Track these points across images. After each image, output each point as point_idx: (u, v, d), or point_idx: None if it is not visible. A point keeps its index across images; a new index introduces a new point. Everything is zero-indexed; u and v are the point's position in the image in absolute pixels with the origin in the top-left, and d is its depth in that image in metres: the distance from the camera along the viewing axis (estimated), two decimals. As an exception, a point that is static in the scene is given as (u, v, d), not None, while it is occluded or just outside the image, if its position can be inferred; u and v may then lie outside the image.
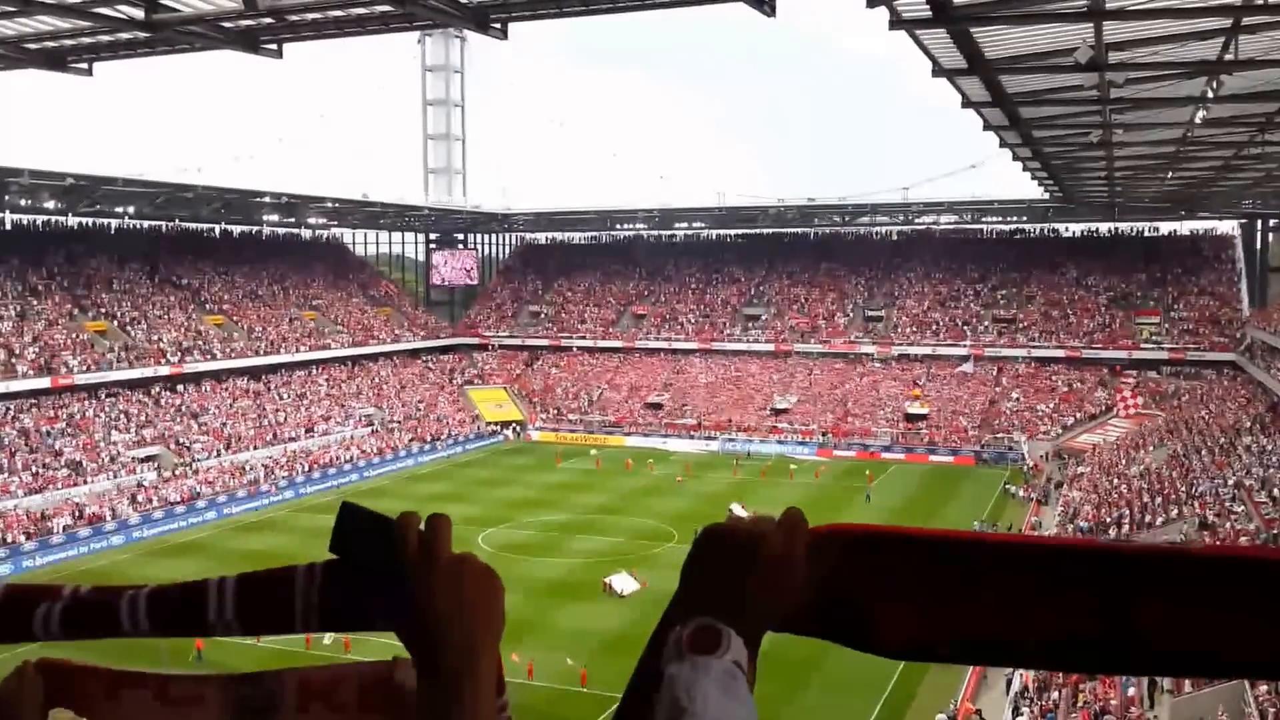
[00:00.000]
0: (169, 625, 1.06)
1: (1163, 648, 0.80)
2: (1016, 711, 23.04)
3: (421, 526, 0.94)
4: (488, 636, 0.93)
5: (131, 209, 62.23)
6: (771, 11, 16.85)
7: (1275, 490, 32.76)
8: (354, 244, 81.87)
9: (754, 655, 0.86)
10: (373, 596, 0.97)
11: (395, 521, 0.95)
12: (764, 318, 72.86)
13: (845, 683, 24.56)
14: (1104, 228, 70.83)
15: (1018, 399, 61.16)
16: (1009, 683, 24.48)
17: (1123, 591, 0.81)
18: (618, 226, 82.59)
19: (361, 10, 18.53)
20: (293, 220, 72.70)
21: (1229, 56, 18.40)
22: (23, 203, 57.20)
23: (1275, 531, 28.59)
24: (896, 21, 16.45)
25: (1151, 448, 47.09)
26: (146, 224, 65.82)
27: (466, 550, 0.94)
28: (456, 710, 0.90)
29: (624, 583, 33.22)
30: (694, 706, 0.78)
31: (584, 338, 74.73)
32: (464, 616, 0.91)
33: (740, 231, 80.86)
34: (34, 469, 44.20)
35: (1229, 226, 69.09)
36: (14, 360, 49.09)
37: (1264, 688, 19.38)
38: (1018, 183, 49.43)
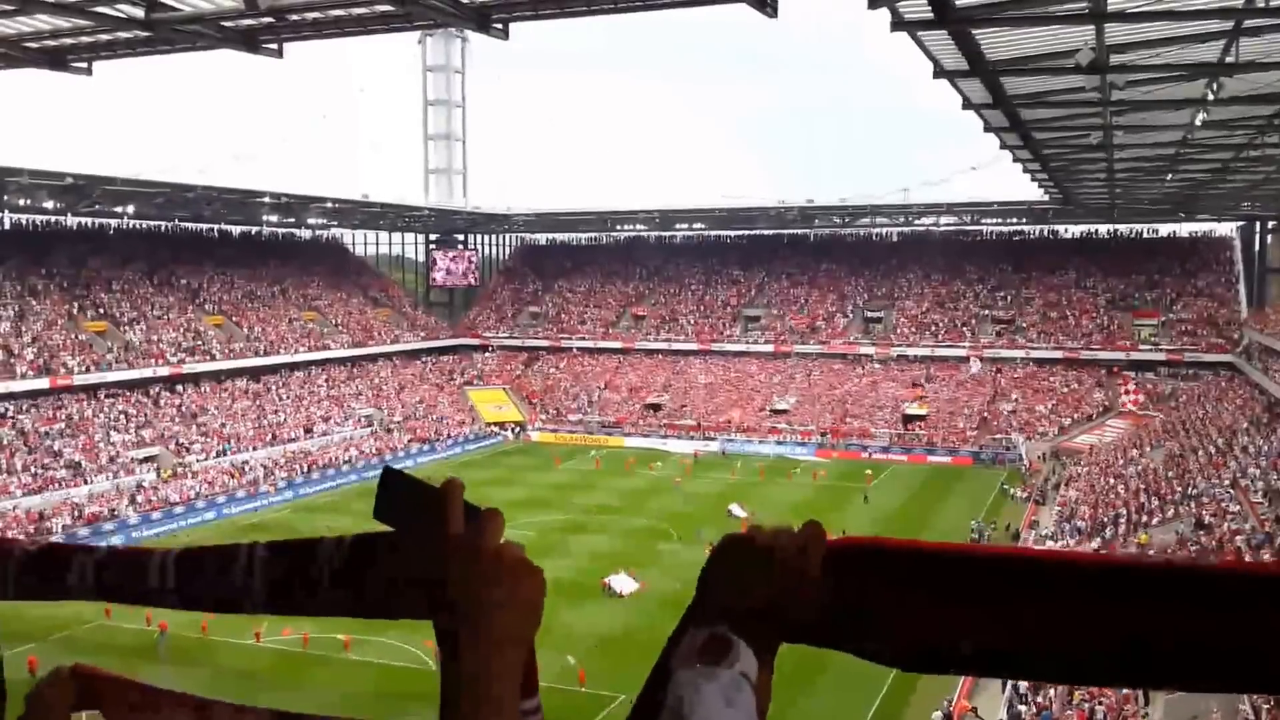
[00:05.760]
0: (193, 591, 1.05)
1: (1175, 662, 0.79)
2: (1011, 709, 23.07)
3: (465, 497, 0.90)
4: (520, 632, 0.89)
5: (131, 209, 62.17)
6: (774, 13, 16.83)
7: (1266, 485, 32.81)
8: (354, 244, 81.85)
9: (768, 666, 0.86)
10: (406, 576, 0.92)
11: (438, 490, 0.91)
12: (763, 319, 72.87)
13: (842, 681, 24.54)
14: (1103, 229, 70.92)
15: (1016, 400, 61.22)
16: (1004, 681, 24.48)
17: (1139, 607, 0.80)
18: (618, 227, 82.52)
19: (362, 10, 18.51)
20: (292, 221, 72.64)
21: (1230, 59, 18.45)
22: (22, 202, 57.13)
23: (1270, 530, 28.65)
24: (898, 23, 16.47)
25: (1149, 448, 47.13)
26: (146, 224, 65.79)
27: (507, 540, 0.89)
28: (475, 707, 0.86)
29: (623, 583, 33.29)
30: (695, 715, 0.79)
31: (583, 338, 74.71)
32: (495, 608, 0.87)
33: (740, 232, 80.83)
34: (33, 470, 44.15)
35: (1227, 228, 69.15)
36: (13, 361, 49.05)
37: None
38: (1017, 184, 49.46)
